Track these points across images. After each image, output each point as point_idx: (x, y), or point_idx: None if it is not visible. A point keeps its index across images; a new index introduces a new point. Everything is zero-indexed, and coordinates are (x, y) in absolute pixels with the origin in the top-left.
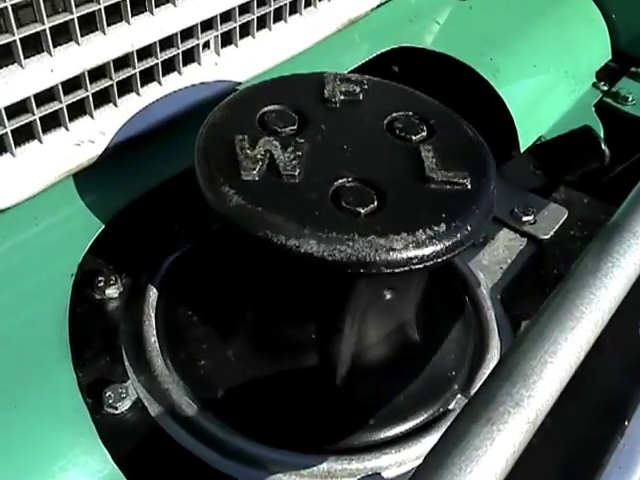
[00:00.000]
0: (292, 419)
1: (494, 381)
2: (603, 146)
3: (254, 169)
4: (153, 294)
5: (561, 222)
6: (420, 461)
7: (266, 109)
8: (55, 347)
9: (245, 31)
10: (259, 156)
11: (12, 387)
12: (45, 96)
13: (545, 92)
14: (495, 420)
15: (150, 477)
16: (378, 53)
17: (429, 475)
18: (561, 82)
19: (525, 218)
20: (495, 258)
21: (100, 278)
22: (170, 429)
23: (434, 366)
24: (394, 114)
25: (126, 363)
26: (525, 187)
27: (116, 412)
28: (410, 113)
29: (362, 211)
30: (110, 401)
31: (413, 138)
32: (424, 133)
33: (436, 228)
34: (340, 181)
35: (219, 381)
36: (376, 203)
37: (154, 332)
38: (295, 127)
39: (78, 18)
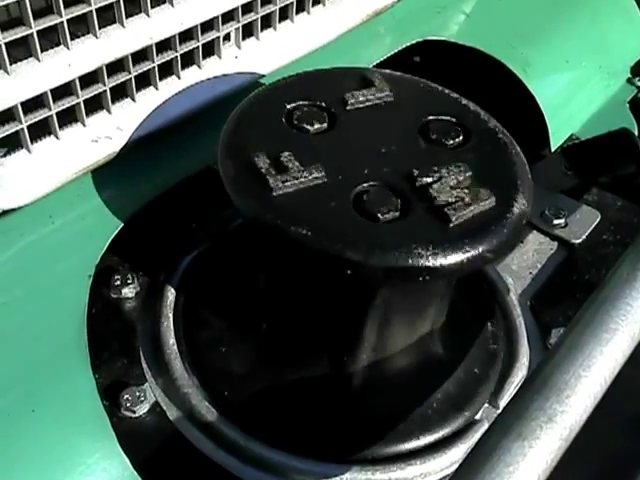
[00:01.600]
0: (315, 427)
1: (526, 394)
2: None
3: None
4: (171, 294)
5: (593, 226)
6: (446, 473)
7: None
8: (73, 349)
9: (266, 23)
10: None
11: (30, 390)
12: (62, 91)
13: (578, 88)
14: (527, 435)
15: None
16: (404, 46)
17: None
18: (594, 77)
19: (556, 221)
20: (525, 263)
21: (117, 277)
22: (189, 434)
23: (461, 375)
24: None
25: (144, 365)
26: (556, 188)
27: (134, 415)
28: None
29: None
30: (128, 404)
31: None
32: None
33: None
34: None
35: (239, 386)
36: None
37: (172, 334)
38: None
39: (96, 10)
